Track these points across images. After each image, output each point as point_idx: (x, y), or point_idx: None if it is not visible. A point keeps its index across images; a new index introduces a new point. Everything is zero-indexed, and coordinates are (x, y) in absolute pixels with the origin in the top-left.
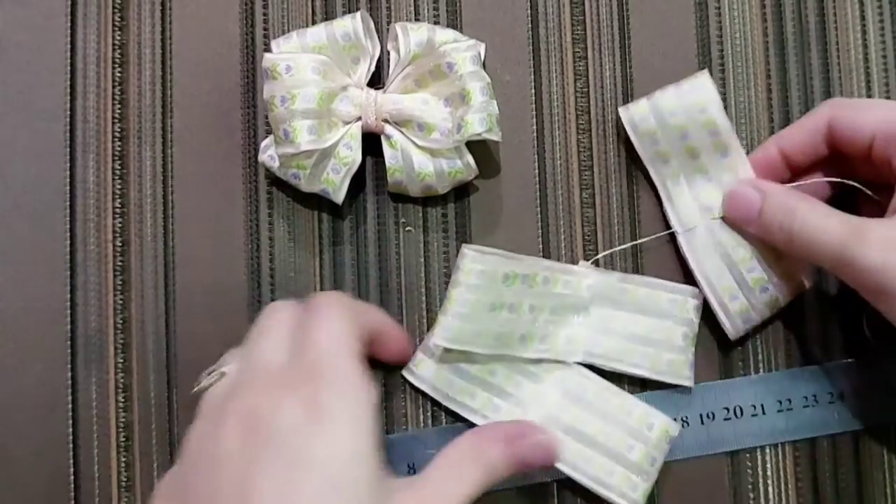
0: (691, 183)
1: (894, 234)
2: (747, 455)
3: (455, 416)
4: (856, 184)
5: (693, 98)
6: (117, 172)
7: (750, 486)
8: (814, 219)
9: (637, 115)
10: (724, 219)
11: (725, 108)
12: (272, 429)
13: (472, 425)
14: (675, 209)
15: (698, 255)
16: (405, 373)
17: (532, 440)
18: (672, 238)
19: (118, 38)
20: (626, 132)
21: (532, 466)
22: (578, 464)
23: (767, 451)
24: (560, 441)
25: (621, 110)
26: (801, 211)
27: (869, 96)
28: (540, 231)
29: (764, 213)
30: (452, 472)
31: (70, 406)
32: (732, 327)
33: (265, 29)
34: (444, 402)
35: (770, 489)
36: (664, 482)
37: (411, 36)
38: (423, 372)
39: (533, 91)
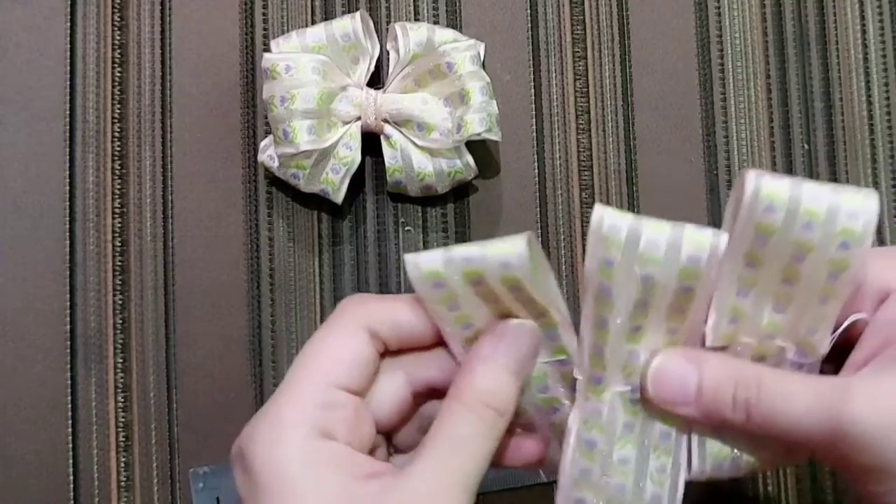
0: (767, 289)
1: (880, 392)
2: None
3: None
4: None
5: (844, 221)
6: (117, 172)
7: (750, 486)
8: (777, 386)
9: (767, 189)
10: (644, 401)
11: (724, 108)
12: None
13: None
14: (721, 313)
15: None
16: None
17: (509, 329)
18: None
19: (118, 38)
20: (626, 131)
21: (526, 357)
22: None
23: None
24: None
25: (750, 175)
26: (756, 379)
27: (869, 97)
28: (540, 231)
29: (705, 389)
30: (452, 436)
31: (70, 406)
32: (699, 466)
33: (265, 29)
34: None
35: (770, 489)
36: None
37: (411, 36)
38: None
39: (533, 91)
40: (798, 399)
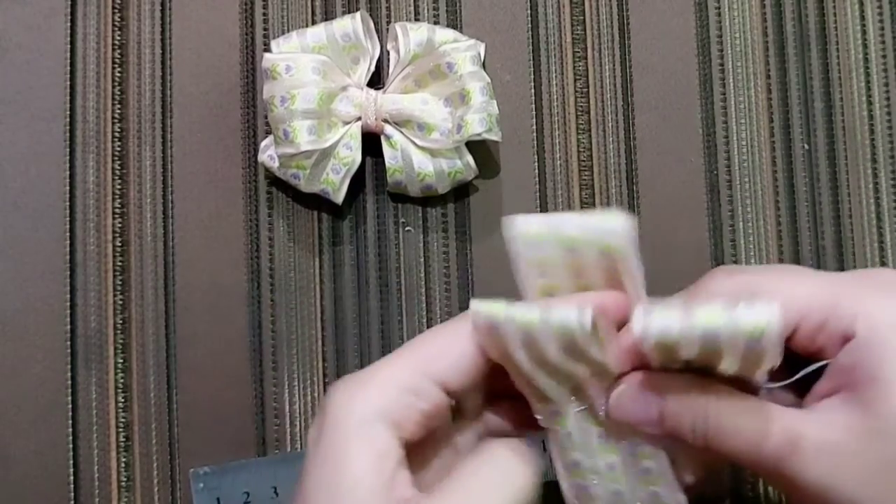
0: None
1: (835, 438)
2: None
3: None
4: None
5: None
6: (117, 172)
7: (750, 486)
8: (733, 423)
9: (525, 230)
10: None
11: (724, 108)
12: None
13: None
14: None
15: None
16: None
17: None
18: None
19: (118, 37)
20: (626, 125)
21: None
22: None
23: None
24: None
25: (507, 222)
26: (713, 414)
27: (868, 97)
28: None
29: (667, 419)
30: (474, 485)
31: (70, 406)
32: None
33: (265, 29)
34: None
35: (770, 489)
36: None
37: (411, 36)
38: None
39: (533, 91)
40: (749, 440)
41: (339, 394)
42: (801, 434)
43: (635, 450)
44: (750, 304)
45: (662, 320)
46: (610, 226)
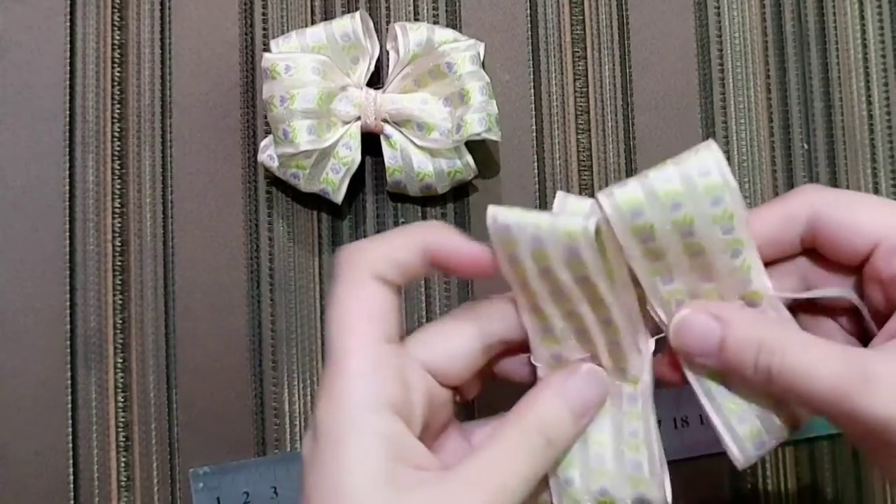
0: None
1: None
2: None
3: None
4: (861, 305)
5: (701, 182)
6: (117, 172)
7: (750, 486)
8: (800, 359)
9: (626, 204)
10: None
11: (724, 108)
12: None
13: None
14: (663, 305)
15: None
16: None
17: (581, 372)
18: None
19: (118, 37)
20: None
21: (591, 405)
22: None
23: None
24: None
25: (601, 196)
26: (780, 347)
27: (868, 97)
28: None
29: (727, 348)
30: (498, 449)
31: (70, 406)
32: (742, 454)
33: (265, 29)
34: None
35: (770, 489)
36: None
37: (410, 36)
38: None
39: (532, 91)
40: (819, 375)
41: (322, 401)
42: (874, 371)
43: (625, 408)
44: (692, 150)
45: (623, 188)
46: (714, 177)
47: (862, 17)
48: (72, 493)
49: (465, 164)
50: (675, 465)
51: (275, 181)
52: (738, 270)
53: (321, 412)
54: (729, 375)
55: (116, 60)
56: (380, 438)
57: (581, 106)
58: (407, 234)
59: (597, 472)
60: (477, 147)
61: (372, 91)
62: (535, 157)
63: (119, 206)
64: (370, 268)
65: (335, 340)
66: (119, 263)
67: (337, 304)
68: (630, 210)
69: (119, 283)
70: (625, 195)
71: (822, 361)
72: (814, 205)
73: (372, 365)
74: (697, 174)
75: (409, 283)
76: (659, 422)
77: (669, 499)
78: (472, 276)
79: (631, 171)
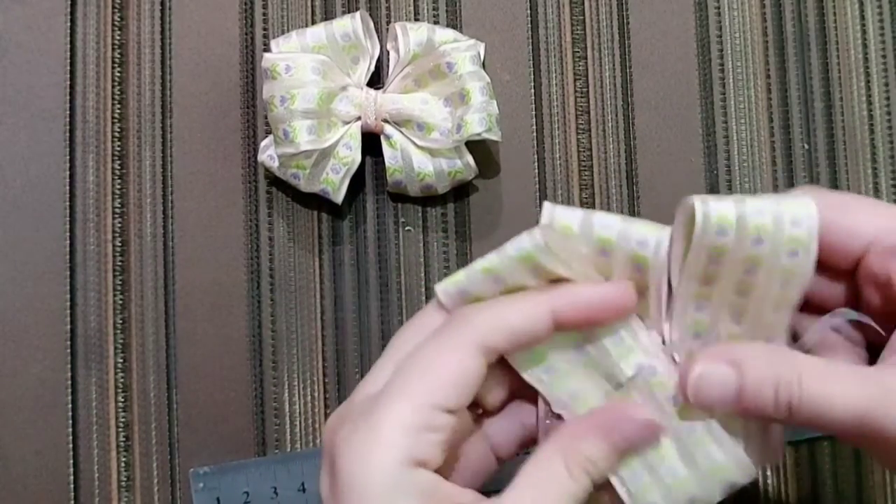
0: (723, 300)
1: None
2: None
3: None
4: (870, 321)
5: (789, 231)
6: (117, 172)
7: (750, 486)
8: (819, 388)
9: (717, 219)
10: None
11: (724, 108)
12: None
13: None
14: (683, 329)
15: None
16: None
17: (632, 418)
18: None
19: (118, 37)
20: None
21: (632, 447)
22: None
23: None
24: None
25: (697, 201)
26: (797, 379)
27: (868, 97)
28: None
29: (746, 392)
30: (537, 486)
31: (70, 406)
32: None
33: (265, 29)
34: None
35: (770, 489)
36: None
37: (411, 36)
38: None
39: (533, 91)
40: (840, 401)
41: (348, 456)
42: (894, 388)
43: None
44: (792, 196)
45: (719, 203)
46: (645, 237)
47: (862, 17)
48: (72, 493)
49: (466, 164)
50: None
51: (275, 181)
52: (771, 326)
53: (351, 465)
54: (748, 417)
55: (117, 60)
56: (420, 492)
57: (581, 106)
58: (534, 300)
59: (677, 486)
60: (477, 147)
61: (372, 91)
62: (536, 157)
63: (119, 206)
64: (479, 338)
65: (392, 392)
66: (119, 263)
67: (420, 358)
68: (717, 226)
69: (119, 283)
70: (719, 210)
71: (841, 387)
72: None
73: (416, 427)
74: (789, 221)
75: (520, 348)
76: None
77: (762, 458)
78: (612, 319)
79: (631, 171)
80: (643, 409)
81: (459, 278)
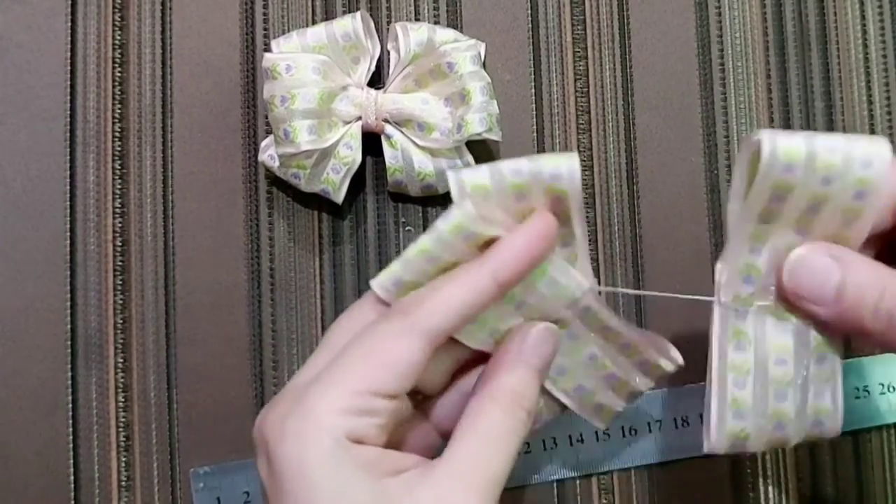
0: (780, 243)
1: None
2: (747, 455)
3: None
4: None
5: (859, 171)
6: (117, 172)
7: (750, 486)
8: None
9: (785, 155)
10: (778, 296)
11: (725, 108)
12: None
13: None
14: (733, 271)
15: (725, 344)
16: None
17: (534, 333)
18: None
19: (118, 37)
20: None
21: (549, 360)
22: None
23: (768, 450)
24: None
25: (765, 134)
26: None
27: (869, 97)
28: None
29: (846, 292)
30: (484, 436)
31: (70, 406)
32: (716, 441)
33: (265, 29)
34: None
35: (770, 489)
36: (664, 482)
37: (411, 36)
38: None
39: (533, 91)
40: None
41: (283, 442)
42: None
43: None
44: (864, 135)
45: (788, 138)
46: (556, 168)
47: (863, 17)
48: (72, 493)
49: (466, 164)
50: (675, 465)
51: (275, 181)
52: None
53: (282, 444)
54: (835, 325)
55: (117, 60)
56: (356, 463)
57: (582, 106)
58: (473, 271)
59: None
60: (477, 147)
61: (373, 91)
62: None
63: (119, 205)
64: (425, 325)
65: (326, 380)
66: (119, 263)
67: (358, 347)
68: (786, 162)
69: (119, 283)
70: (788, 145)
71: None
72: None
73: (350, 411)
74: (860, 162)
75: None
76: (658, 421)
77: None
78: (546, 253)
79: (631, 171)
80: (541, 326)
81: (394, 269)
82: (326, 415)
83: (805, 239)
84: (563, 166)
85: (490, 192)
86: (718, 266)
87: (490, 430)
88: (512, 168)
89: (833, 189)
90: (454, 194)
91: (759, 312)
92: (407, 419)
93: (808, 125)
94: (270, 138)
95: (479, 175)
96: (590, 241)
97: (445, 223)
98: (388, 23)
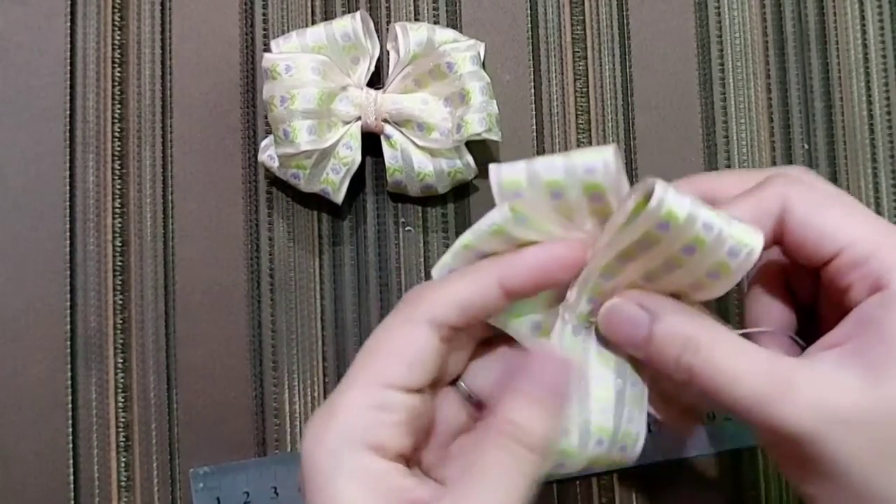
0: (625, 281)
1: (829, 392)
2: (747, 455)
3: None
4: (794, 337)
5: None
6: (117, 172)
7: (750, 486)
8: (725, 361)
9: (668, 208)
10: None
11: (725, 108)
12: None
13: None
14: (582, 289)
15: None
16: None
17: (552, 367)
18: None
19: (118, 38)
20: (625, 133)
21: (562, 392)
22: None
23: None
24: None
25: (658, 188)
26: (706, 347)
27: (869, 96)
28: None
29: (655, 341)
30: (487, 477)
31: (70, 406)
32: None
33: (265, 29)
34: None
35: (770, 489)
36: (664, 482)
37: (411, 36)
38: None
39: (533, 91)
40: (741, 379)
41: (308, 434)
42: (796, 380)
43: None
44: (746, 224)
45: (677, 197)
46: (590, 163)
47: (862, 17)
48: (72, 493)
49: (466, 164)
50: (675, 465)
51: (275, 181)
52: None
53: (307, 448)
54: (650, 368)
55: (117, 60)
56: (367, 478)
57: (581, 106)
58: (481, 272)
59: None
60: (477, 147)
61: (372, 91)
62: (536, 157)
63: (119, 206)
64: (428, 313)
65: (349, 376)
66: (119, 263)
67: (373, 340)
68: (665, 220)
69: (119, 283)
70: (673, 205)
71: (746, 366)
72: (785, 199)
73: (366, 407)
74: (728, 249)
75: (482, 320)
76: (658, 421)
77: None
78: (564, 278)
79: (631, 171)
80: (544, 348)
81: (447, 259)
82: (346, 413)
83: (649, 286)
84: (598, 159)
85: (524, 188)
86: (573, 288)
87: (488, 469)
88: (546, 164)
89: (693, 259)
90: (494, 192)
91: (591, 330)
92: (432, 419)
93: (808, 125)
94: (270, 138)
95: (516, 171)
96: None
97: (485, 224)
98: (388, 23)
